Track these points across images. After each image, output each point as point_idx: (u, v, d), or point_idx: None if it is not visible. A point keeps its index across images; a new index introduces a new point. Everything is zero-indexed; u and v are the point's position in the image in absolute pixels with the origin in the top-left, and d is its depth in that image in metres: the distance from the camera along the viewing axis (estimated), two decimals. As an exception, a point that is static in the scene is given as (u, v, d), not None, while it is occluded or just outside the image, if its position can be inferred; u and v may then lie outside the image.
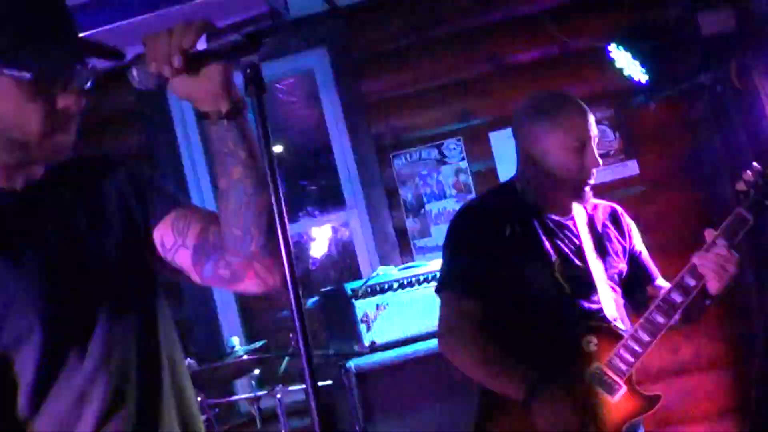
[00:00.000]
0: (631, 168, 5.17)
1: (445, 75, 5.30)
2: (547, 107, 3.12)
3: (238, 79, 1.71)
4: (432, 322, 4.14)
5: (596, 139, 3.09)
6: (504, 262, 3.04)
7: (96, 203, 1.92)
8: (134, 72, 1.69)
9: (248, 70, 1.62)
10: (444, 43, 5.31)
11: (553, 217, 3.14)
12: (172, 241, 1.94)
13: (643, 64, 4.90)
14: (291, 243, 1.62)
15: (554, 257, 3.06)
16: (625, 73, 4.93)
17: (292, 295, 1.59)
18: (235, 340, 4.53)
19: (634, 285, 3.24)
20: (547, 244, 3.07)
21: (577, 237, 3.13)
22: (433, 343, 4.08)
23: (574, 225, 3.15)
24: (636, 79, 4.91)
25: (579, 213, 3.18)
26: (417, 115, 5.31)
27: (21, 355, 1.78)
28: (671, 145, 5.17)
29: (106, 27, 4.61)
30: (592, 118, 3.09)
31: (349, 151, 5.33)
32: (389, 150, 5.30)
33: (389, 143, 5.30)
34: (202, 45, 1.66)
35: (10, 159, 1.82)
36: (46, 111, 1.75)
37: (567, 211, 3.16)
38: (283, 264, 1.58)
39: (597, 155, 3.06)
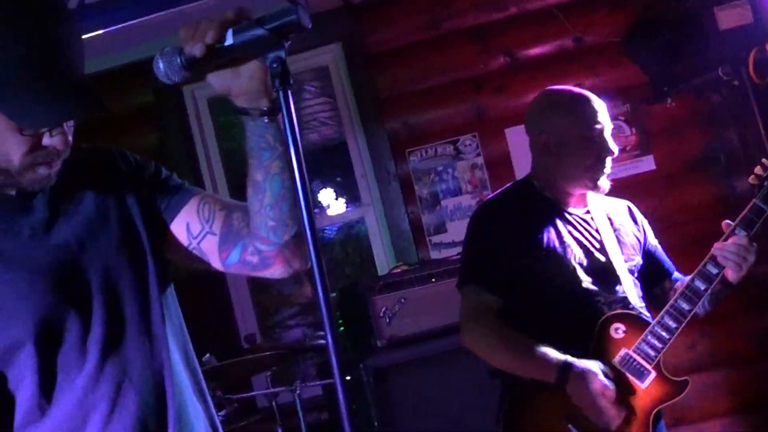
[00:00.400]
0: (648, 163, 5.16)
1: (460, 70, 5.29)
2: (560, 100, 3.20)
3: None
4: (451, 317, 4.18)
5: (610, 130, 3.14)
6: (525, 258, 3.05)
7: (96, 200, 1.91)
8: (160, 63, 1.68)
9: (274, 65, 1.62)
10: (459, 39, 5.30)
11: (572, 211, 3.17)
12: (198, 228, 1.95)
13: (659, 59, 4.89)
14: (317, 234, 1.63)
15: (576, 252, 3.07)
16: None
17: (320, 287, 1.59)
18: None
19: (651, 279, 3.27)
20: (569, 239, 3.09)
21: (597, 230, 3.15)
22: (451, 338, 4.11)
23: (592, 219, 3.18)
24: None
25: (595, 207, 3.21)
26: (432, 111, 5.30)
27: (15, 367, 1.76)
28: (688, 140, 5.15)
29: (121, 25, 4.64)
30: (604, 109, 3.15)
31: (364, 147, 5.33)
32: (404, 146, 5.29)
33: (404, 139, 5.30)
34: (228, 41, 1.66)
35: None
36: (31, 146, 1.73)
37: (584, 205, 3.20)
38: (308, 248, 1.59)
39: (611, 144, 3.11)
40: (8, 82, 1.65)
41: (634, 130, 5.17)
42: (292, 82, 1.63)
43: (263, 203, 1.87)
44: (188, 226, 1.96)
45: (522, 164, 5.12)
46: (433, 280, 4.32)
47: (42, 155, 1.75)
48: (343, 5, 5.25)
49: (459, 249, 4.99)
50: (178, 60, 1.68)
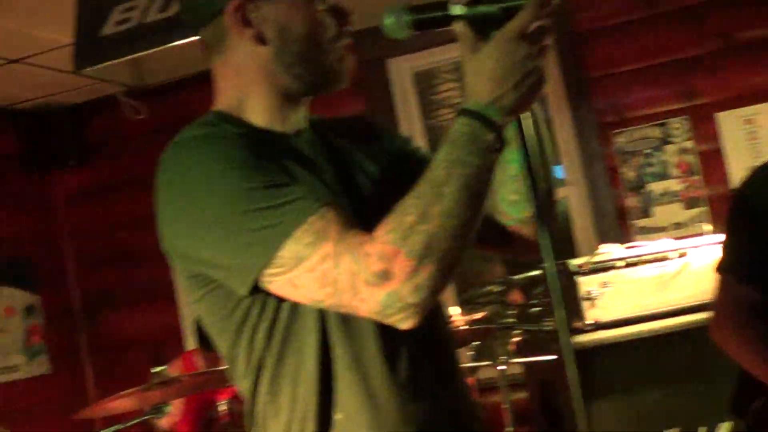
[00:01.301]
0: None
1: (672, 51, 5.14)
2: None
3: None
4: (656, 304, 4.12)
5: None
6: None
7: (345, 167, 1.87)
8: (390, 18, 1.66)
9: None
10: (672, 18, 5.14)
11: None
12: None
13: None
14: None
15: None
16: None
17: (550, 266, 1.60)
18: (455, 310, 4.56)
19: None
20: None
21: None
22: (658, 324, 4.05)
23: None
24: None
25: None
26: (641, 92, 5.18)
27: None
28: None
29: None
30: None
31: (570, 126, 5.27)
32: (611, 127, 5.21)
33: (611, 120, 5.22)
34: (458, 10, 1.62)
35: (288, 98, 1.82)
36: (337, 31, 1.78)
37: None
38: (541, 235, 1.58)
39: None
40: None
41: None
42: None
43: (506, 174, 1.84)
44: None
45: (733, 150, 4.96)
46: (643, 264, 4.24)
47: (343, 37, 1.80)
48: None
49: (665, 235, 4.92)
50: (405, 18, 1.65)
